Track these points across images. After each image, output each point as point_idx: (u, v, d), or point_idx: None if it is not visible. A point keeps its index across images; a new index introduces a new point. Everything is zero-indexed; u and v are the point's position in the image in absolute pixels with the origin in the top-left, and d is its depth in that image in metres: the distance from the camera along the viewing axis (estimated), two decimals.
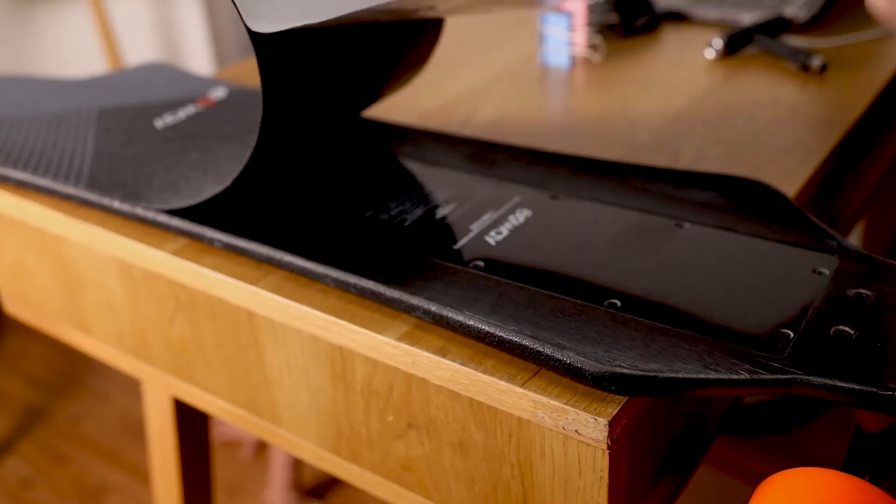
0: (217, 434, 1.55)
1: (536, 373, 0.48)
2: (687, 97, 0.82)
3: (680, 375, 0.44)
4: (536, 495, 0.50)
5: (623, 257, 0.56)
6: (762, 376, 0.45)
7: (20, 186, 0.69)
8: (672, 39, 0.99)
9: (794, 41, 0.92)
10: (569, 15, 0.91)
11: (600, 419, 0.44)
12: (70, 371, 1.73)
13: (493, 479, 0.52)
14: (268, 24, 0.50)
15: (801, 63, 0.86)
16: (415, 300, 0.51)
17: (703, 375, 0.45)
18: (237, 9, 0.50)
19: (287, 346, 0.58)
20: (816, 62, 0.85)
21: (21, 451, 1.54)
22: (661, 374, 0.44)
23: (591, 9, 0.93)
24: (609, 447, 0.45)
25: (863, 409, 0.46)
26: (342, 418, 0.58)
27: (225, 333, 0.62)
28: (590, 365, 0.44)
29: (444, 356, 0.49)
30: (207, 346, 0.64)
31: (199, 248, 0.61)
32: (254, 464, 1.49)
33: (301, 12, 0.50)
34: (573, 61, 0.92)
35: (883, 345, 0.46)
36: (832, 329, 0.48)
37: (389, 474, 0.57)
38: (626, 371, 0.44)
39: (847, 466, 0.53)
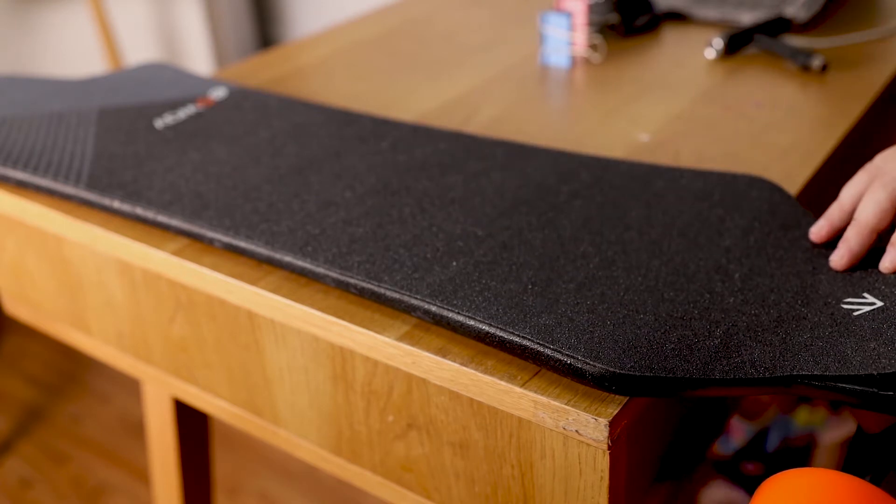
0: None
1: (537, 373, 0.48)
2: (687, 97, 0.82)
3: (680, 375, 0.44)
4: (537, 495, 0.50)
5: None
6: (763, 376, 0.45)
7: (20, 186, 0.69)
8: (672, 39, 0.99)
9: (795, 41, 0.92)
10: (569, 15, 0.91)
11: (601, 419, 0.44)
12: (70, 371, 1.72)
13: (493, 479, 0.52)
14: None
15: (802, 63, 0.86)
16: (415, 300, 0.51)
17: (703, 375, 0.44)
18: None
19: (287, 346, 0.58)
20: (817, 62, 0.85)
21: (21, 451, 1.54)
22: (661, 375, 0.44)
23: (591, 9, 0.93)
24: (609, 447, 0.45)
25: (863, 409, 0.46)
26: (342, 418, 0.58)
27: (225, 333, 0.62)
28: (590, 365, 0.44)
29: (444, 356, 0.49)
30: (207, 346, 0.64)
31: (199, 248, 0.61)
32: (254, 463, 1.49)
33: None
34: (573, 61, 0.92)
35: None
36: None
37: (390, 474, 0.57)
38: (626, 371, 0.44)
39: (847, 466, 0.53)
